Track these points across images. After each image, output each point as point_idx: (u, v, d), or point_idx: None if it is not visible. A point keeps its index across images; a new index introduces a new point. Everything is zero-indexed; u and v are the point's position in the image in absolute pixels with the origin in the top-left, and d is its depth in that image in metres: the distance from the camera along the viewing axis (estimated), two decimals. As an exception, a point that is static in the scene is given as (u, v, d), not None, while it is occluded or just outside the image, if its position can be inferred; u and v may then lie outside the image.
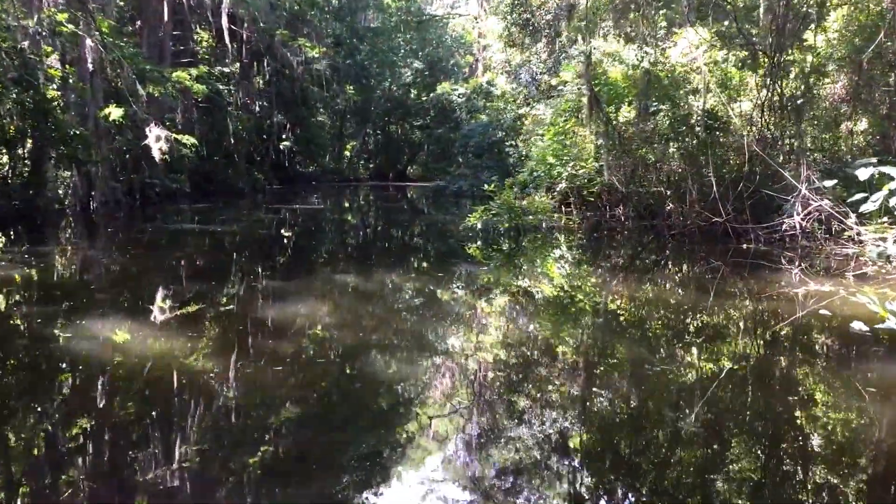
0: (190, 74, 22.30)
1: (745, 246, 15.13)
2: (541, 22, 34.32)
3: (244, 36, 37.99)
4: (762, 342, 8.35)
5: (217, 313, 9.56)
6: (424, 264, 14.90)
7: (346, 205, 35.77)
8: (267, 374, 6.84)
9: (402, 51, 52.21)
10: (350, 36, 48.58)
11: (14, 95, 18.15)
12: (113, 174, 27.79)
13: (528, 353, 7.95)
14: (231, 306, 10.13)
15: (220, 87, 36.75)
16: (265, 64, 39.62)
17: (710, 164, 16.22)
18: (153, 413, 5.86)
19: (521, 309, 10.46)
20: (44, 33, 17.83)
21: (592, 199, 18.77)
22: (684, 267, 14.41)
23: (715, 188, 15.79)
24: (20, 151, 23.40)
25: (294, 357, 7.41)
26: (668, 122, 17.34)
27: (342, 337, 8.37)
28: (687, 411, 5.91)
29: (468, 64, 50.76)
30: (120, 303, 10.24)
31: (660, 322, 9.49)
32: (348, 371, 7.24)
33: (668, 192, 17.34)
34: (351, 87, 48.79)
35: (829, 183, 14.39)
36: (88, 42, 18.33)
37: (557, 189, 20.85)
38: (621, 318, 9.85)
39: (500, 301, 11.04)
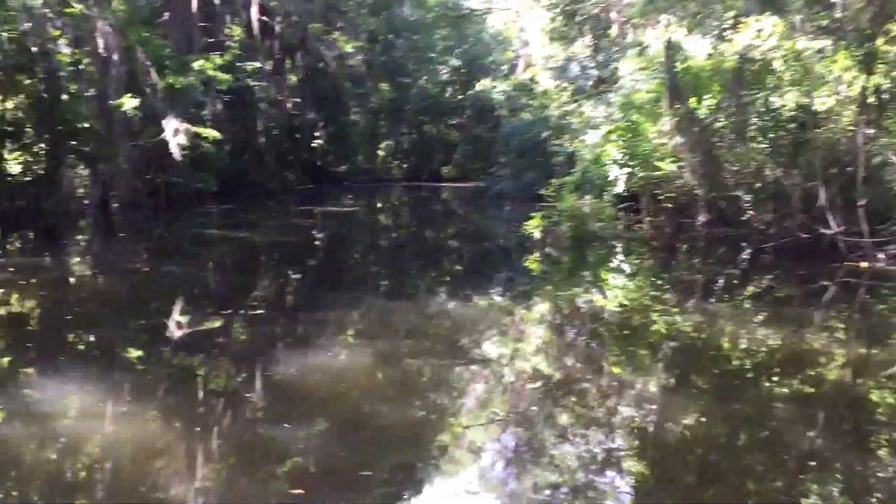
0: (214, 63, 19.89)
1: (861, 264, 12.39)
2: (590, 13, 31.59)
3: (276, 29, 35.69)
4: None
5: (218, 366, 7.09)
6: (476, 282, 12.35)
7: (380, 206, 33.37)
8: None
9: (439, 47, 49.62)
10: (386, 31, 46.07)
11: (19, 84, 15.89)
12: (136, 173, 25.59)
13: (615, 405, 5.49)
14: (238, 360, 7.66)
15: (251, 83, 34.49)
16: (298, 59, 37.24)
17: (812, 165, 13.53)
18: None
19: (598, 350, 7.98)
20: (50, 14, 15.54)
21: (668, 205, 16.07)
22: (785, 289, 11.78)
23: (823, 194, 13.10)
24: (34, 148, 21.29)
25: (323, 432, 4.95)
26: (760, 118, 14.65)
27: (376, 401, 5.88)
28: None
29: (508, 61, 47.97)
30: (84, 354, 7.75)
31: (757, 365, 7.18)
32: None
33: (760, 198, 14.64)
34: (386, 85, 46.23)
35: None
36: (100, 24, 16.02)
37: (616, 192, 18.22)
38: (708, 352, 7.82)
39: (568, 332, 8.58)
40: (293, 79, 39.68)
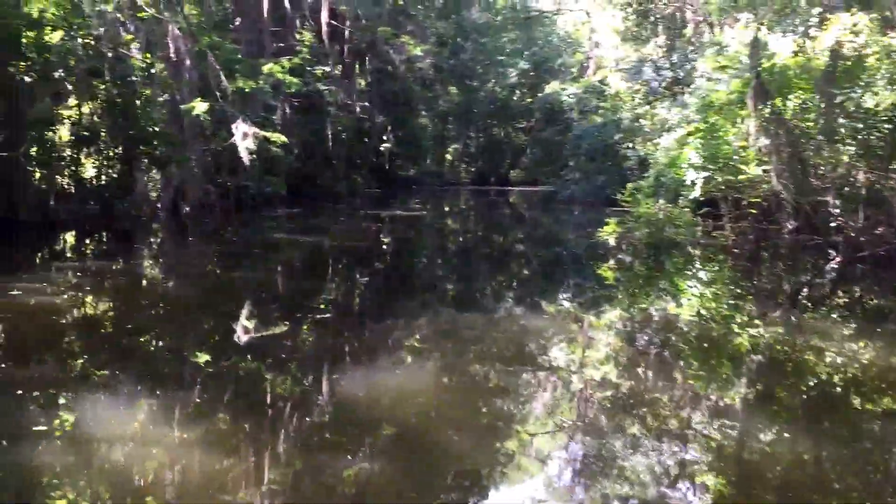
0: (283, 67, 19.78)
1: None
2: (664, 13, 30.65)
3: (346, 34, 35.74)
4: None
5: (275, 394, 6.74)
6: (548, 291, 11.82)
7: (448, 210, 33.01)
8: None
9: (508, 50, 49.10)
10: (455, 34, 45.78)
11: (93, 89, 16.02)
12: (207, 177, 25.83)
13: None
14: (299, 373, 7.30)
15: (321, 87, 34.61)
16: (367, 62, 37.21)
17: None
18: None
19: (676, 362, 7.36)
20: (122, 19, 15.63)
21: (751, 211, 15.19)
22: (877, 301, 10.92)
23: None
24: (109, 153, 21.60)
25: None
26: (851, 118, 13.73)
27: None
28: None
29: (577, 63, 47.13)
30: (147, 359, 7.54)
31: (846, 382, 6.55)
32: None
33: (851, 204, 13.71)
34: (454, 88, 45.94)
35: None
36: (172, 29, 16.03)
37: (693, 197, 17.41)
38: (792, 367, 7.24)
39: (643, 343, 7.98)
40: (362, 83, 39.73)
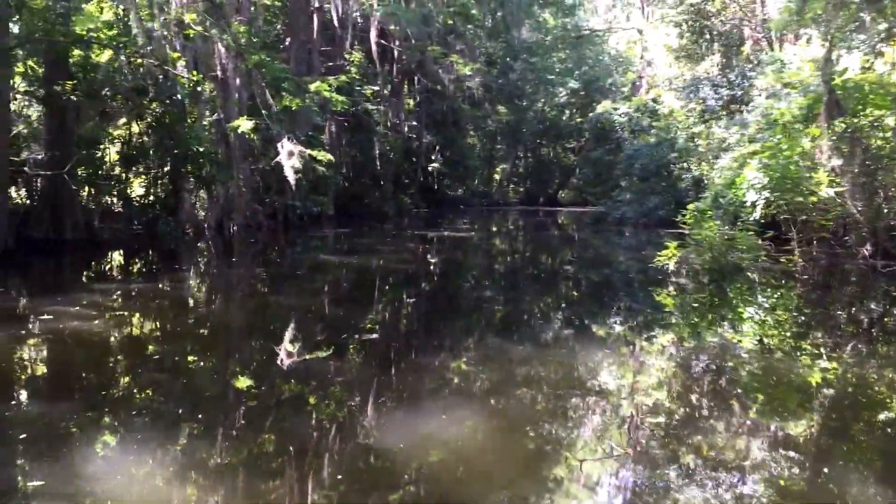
0: (330, 85, 19.34)
1: None
2: (721, 29, 29.63)
3: (395, 53, 35.44)
4: None
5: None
6: (603, 320, 10.98)
7: (496, 230, 32.28)
8: None
9: (558, 69, 48.38)
10: (504, 54, 45.25)
11: (140, 108, 15.73)
12: (255, 196, 25.55)
13: None
14: (334, 414, 6.62)
15: (370, 106, 34.31)
16: (415, 82, 36.84)
17: None
18: None
19: (740, 396, 6.47)
20: (170, 37, 15.32)
21: (823, 235, 14.15)
22: None
23: None
24: (157, 171, 21.42)
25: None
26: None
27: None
28: None
29: (629, 82, 46.19)
30: (184, 381, 6.96)
31: None
32: None
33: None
34: (503, 108, 45.33)
35: None
36: (220, 47, 15.68)
37: (753, 219, 16.40)
38: (865, 402, 6.39)
39: (705, 375, 7.09)
40: (410, 103, 39.38)
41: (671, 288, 13.22)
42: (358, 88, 33.46)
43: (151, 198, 21.32)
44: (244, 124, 16.44)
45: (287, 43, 30.62)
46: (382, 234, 27.29)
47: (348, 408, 6.13)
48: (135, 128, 18.80)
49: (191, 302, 11.50)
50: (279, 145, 16.80)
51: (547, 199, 53.47)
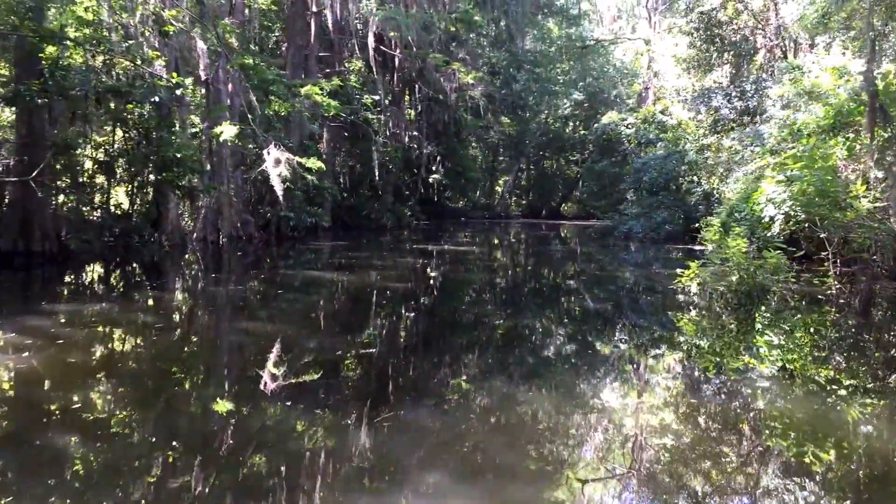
0: (322, 89, 17.83)
1: None
2: (733, 38, 28.20)
3: (396, 61, 34.07)
4: None
5: None
6: (621, 353, 9.43)
7: (498, 243, 30.80)
8: None
9: (562, 81, 46.98)
10: (508, 64, 43.85)
11: (115, 111, 14.26)
12: (246, 206, 24.09)
13: None
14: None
15: (370, 115, 32.93)
16: (417, 91, 35.44)
17: None
18: None
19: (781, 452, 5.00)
20: (147, 34, 13.86)
21: (863, 255, 12.65)
22: None
23: None
24: (137, 180, 19.98)
25: None
26: None
27: None
28: None
29: (634, 93, 44.77)
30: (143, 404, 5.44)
31: None
32: None
33: None
34: (506, 119, 43.93)
35: None
36: (201, 45, 14.23)
37: (771, 235, 14.94)
38: None
39: (739, 421, 5.62)
40: (412, 113, 37.98)
41: (693, 314, 11.73)
42: (357, 97, 32.09)
43: (131, 207, 19.92)
44: (227, 130, 14.95)
45: (284, 49, 29.26)
46: (380, 247, 25.83)
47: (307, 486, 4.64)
48: (113, 133, 17.35)
49: (147, 330, 9.94)
50: (265, 152, 15.29)
51: (549, 212, 52.06)
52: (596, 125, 39.17)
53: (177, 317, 11.03)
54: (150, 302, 11.90)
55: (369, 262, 19.19)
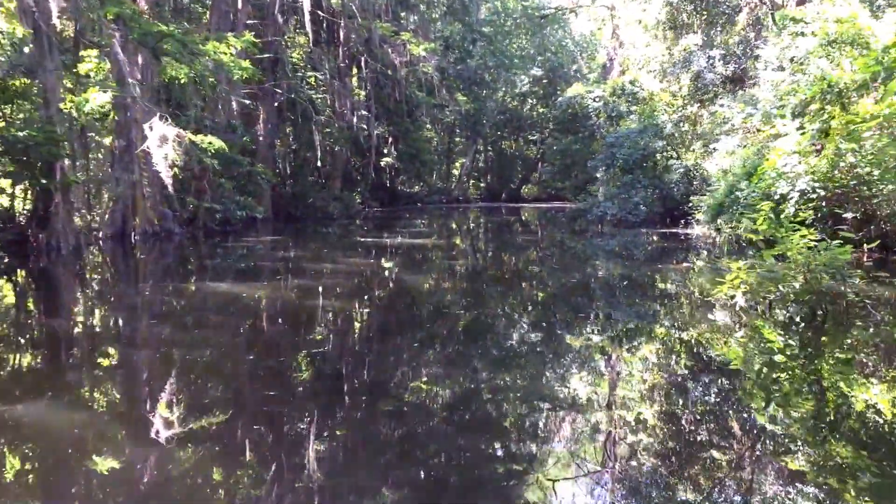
0: (228, 45, 13.53)
1: None
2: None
3: (340, 33, 29.80)
4: None
5: None
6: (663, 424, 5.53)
7: (457, 230, 26.94)
8: None
9: (520, 55, 43.06)
10: (462, 37, 39.72)
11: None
12: (164, 198, 19.79)
13: None
14: None
15: (313, 94, 28.67)
16: (364, 66, 31.17)
17: None
18: None
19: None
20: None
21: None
22: None
23: None
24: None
25: None
26: None
27: None
28: None
29: (598, 66, 40.92)
30: None
31: None
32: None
33: None
34: (461, 96, 39.91)
35: None
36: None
37: (787, 214, 11.40)
38: None
39: None
40: (362, 94, 33.72)
41: (741, 335, 7.98)
42: (300, 74, 27.82)
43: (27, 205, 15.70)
44: (96, 98, 10.71)
45: (208, 17, 24.80)
46: (324, 240, 21.78)
47: None
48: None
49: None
50: (146, 126, 11.09)
51: (509, 195, 48.45)
52: (559, 99, 35.35)
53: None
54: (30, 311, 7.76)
55: (305, 266, 15.05)
